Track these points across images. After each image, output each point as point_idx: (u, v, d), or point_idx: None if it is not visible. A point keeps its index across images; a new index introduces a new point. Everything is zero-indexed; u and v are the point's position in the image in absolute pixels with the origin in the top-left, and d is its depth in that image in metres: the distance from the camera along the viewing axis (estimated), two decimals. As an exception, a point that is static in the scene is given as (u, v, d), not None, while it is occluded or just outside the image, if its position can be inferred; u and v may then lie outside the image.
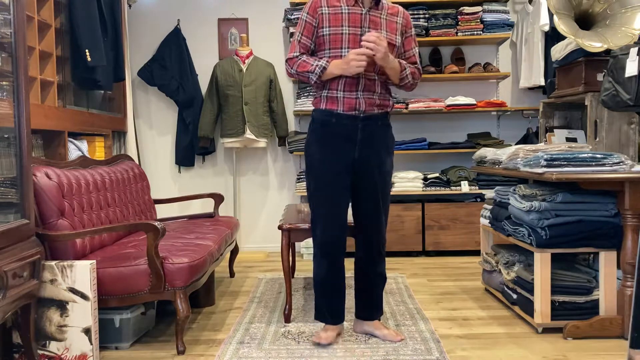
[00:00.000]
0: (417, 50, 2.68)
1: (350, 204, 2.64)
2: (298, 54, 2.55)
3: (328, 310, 2.66)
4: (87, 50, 3.38)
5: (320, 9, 2.51)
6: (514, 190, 2.97)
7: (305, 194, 4.80)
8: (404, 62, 2.56)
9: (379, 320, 2.76)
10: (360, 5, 2.51)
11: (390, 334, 2.66)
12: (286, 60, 2.58)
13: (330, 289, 2.64)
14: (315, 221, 2.60)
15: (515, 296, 2.99)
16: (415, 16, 4.69)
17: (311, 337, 2.69)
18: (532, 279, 2.75)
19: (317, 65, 2.47)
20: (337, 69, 2.45)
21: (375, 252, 2.66)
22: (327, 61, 2.48)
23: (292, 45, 2.59)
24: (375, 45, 2.36)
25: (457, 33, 4.68)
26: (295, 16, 4.62)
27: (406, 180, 4.63)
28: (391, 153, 2.65)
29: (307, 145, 2.63)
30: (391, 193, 4.51)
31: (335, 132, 2.53)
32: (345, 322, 2.81)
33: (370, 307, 2.72)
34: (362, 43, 2.38)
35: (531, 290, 2.77)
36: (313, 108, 2.63)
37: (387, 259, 4.37)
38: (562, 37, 3.49)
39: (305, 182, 2.71)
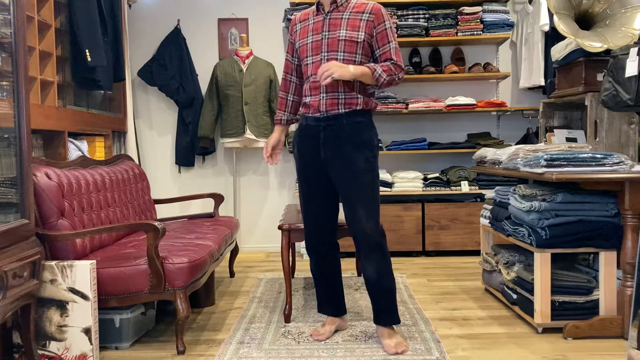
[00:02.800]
0: (394, 45, 2.54)
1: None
2: (286, 73, 2.75)
3: (325, 301, 2.78)
4: (87, 50, 3.38)
5: (295, 27, 2.68)
6: (514, 190, 2.97)
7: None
8: (372, 64, 2.51)
9: (389, 326, 2.60)
10: (322, 11, 2.57)
11: (387, 345, 2.54)
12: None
13: (322, 281, 2.77)
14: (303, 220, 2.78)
15: (515, 296, 2.99)
16: (415, 16, 4.69)
17: (310, 336, 2.71)
18: (532, 279, 2.75)
19: (278, 114, 2.78)
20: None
21: (361, 250, 2.57)
22: (278, 122, 2.77)
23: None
24: (326, 74, 2.42)
25: (457, 33, 4.68)
26: (295, 16, 4.62)
27: (406, 180, 4.63)
28: (364, 150, 2.52)
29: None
30: (391, 193, 4.58)
31: (305, 134, 2.62)
32: (353, 326, 2.82)
33: (374, 309, 2.63)
34: (321, 80, 2.45)
35: (531, 290, 2.77)
36: None
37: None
38: (562, 37, 3.49)
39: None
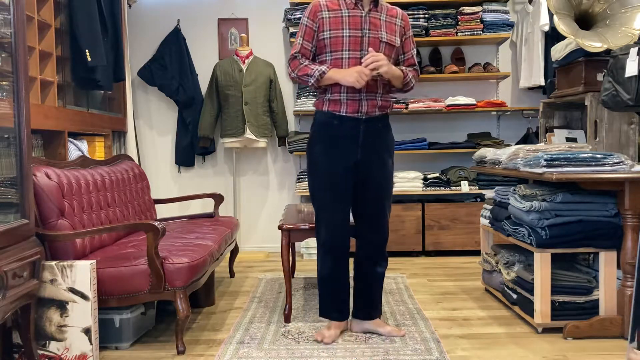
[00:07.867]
0: (415, 52, 2.70)
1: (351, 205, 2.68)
2: (299, 55, 2.58)
3: (333, 306, 2.71)
4: (87, 50, 3.38)
5: (321, 14, 2.55)
6: (514, 190, 2.97)
7: (306, 194, 4.80)
8: (403, 67, 2.61)
9: (379, 318, 2.76)
10: (360, 8, 2.54)
11: (394, 330, 2.71)
12: (289, 61, 2.62)
13: (335, 285, 2.69)
14: (319, 220, 2.66)
15: (515, 296, 2.99)
16: (415, 16, 4.69)
17: (312, 336, 2.70)
18: (532, 279, 2.75)
19: (317, 70, 2.52)
20: (338, 75, 2.49)
21: (377, 252, 2.68)
22: (328, 67, 2.52)
23: (293, 48, 2.62)
24: (376, 63, 2.43)
25: (457, 33, 4.68)
26: (295, 16, 4.62)
27: (406, 180, 4.63)
28: (392, 154, 2.69)
29: (309, 146, 2.67)
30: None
31: (338, 133, 2.57)
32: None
33: (371, 306, 2.73)
34: (366, 65, 2.43)
35: (531, 290, 2.77)
36: (315, 109, 2.68)
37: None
38: (562, 37, 3.49)
39: (306, 182, 2.75)
